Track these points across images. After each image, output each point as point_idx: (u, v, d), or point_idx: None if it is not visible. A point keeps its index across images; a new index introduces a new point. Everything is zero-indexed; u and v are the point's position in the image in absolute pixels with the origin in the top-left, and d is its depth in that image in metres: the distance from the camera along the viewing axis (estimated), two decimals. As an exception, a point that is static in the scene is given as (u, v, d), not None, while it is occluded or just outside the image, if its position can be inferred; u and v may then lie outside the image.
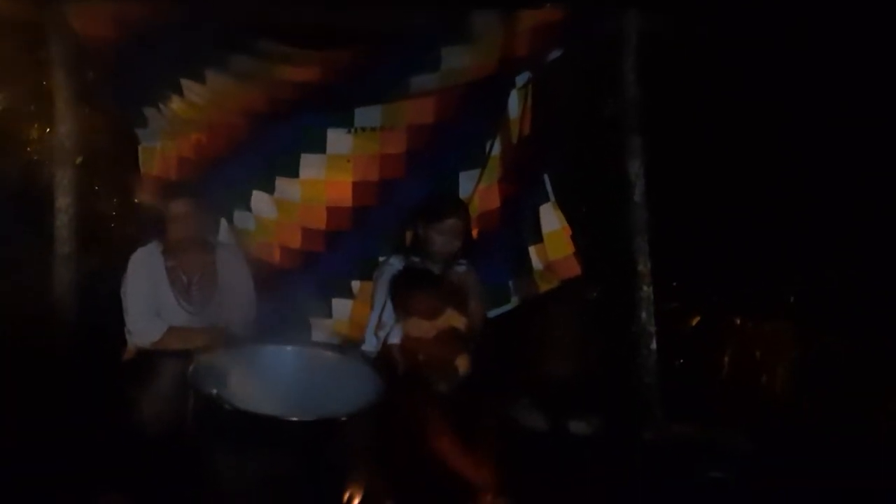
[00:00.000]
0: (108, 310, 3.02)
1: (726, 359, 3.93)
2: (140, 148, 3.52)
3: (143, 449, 2.54)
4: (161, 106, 3.29)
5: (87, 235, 3.35)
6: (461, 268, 3.06)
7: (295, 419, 2.15)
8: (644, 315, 3.18)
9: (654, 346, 3.19)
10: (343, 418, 2.22)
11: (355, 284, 3.45)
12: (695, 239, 3.95)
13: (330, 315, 3.46)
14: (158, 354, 2.81)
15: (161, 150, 3.51)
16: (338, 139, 3.40)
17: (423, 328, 2.83)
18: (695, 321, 4.15)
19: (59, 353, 3.08)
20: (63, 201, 3.27)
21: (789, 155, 3.70)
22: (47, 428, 2.77)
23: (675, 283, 4.14)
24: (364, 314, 3.21)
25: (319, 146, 3.40)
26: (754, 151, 3.76)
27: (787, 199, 3.78)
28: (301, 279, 3.46)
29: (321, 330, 3.45)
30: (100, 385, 2.88)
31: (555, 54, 3.16)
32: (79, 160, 3.39)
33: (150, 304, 2.94)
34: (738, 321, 3.99)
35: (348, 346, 2.99)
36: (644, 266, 3.18)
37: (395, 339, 2.86)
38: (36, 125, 3.18)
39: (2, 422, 2.72)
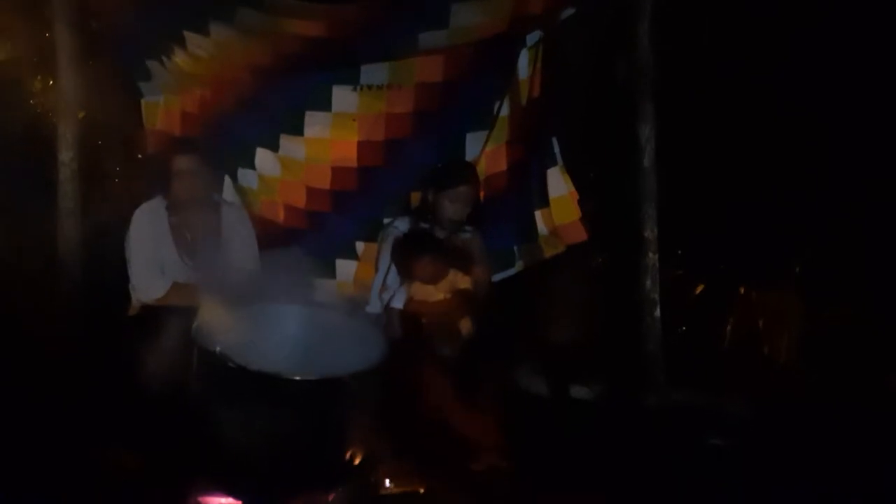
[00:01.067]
0: (113, 265, 3.01)
1: (729, 327, 3.93)
2: (143, 102, 3.48)
3: (148, 404, 2.55)
4: (164, 59, 3.24)
5: (90, 190, 3.33)
6: (466, 234, 3.04)
7: (298, 378, 2.16)
8: (649, 282, 3.16)
9: (657, 313, 3.17)
10: (346, 378, 2.22)
11: (359, 246, 3.44)
12: (702, 207, 3.92)
13: (334, 276, 3.45)
14: (163, 311, 2.81)
15: (164, 105, 3.48)
16: (343, 97, 3.35)
17: (427, 292, 2.83)
18: (699, 289, 4.14)
19: (64, 308, 3.07)
20: (66, 155, 3.24)
21: (801, 123, 3.64)
22: (53, 383, 2.78)
23: (680, 251, 4.13)
24: (368, 276, 3.20)
25: (324, 104, 3.35)
26: (766, 119, 3.70)
27: (797, 168, 3.73)
28: (305, 239, 3.44)
29: (325, 291, 3.43)
30: (105, 340, 2.89)
31: (567, 13, 3.08)
32: (81, 114, 3.36)
33: (153, 260, 2.94)
34: (743, 290, 3.97)
35: (353, 306, 2.97)
36: (651, 233, 3.14)
37: (398, 303, 2.86)
38: (39, 79, 3.14)
39: (7, 379, 2.73)
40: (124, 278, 2.96)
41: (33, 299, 3.02)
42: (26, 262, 3.05)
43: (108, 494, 2.24)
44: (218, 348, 2.17)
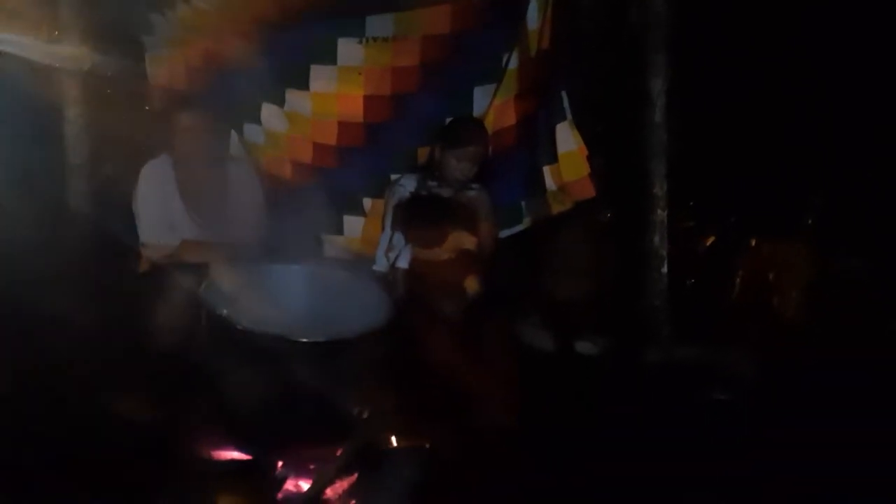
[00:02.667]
0: (124, 222, 3.03)
1: (738, 280, 3.91)
2: (147, 56, 3.44)
3: (160, 361, 2.61)
4: (167, 12, 3.19)
5: (99, 146, 3.34)
6: (472, 191, 3.02)
7: (304, 339, 2.19)
8: (657, 238, 3.15)
9: (664, 269, 3.17)
10: (351, 339, 2.25)
11: (367, 202, 3.42)
12: (714, 158, 3.87)
13: (341, 232, 3.45)
14: (172, 267, 2.84)
15: (169, 59, 3.43)
16: (349, 50, 3.28)
17: (432, 252, 2.82)
18: (709, 241, 4.12)
19: (75, 265, 3.11)
20: (72, 111, 3.24)
21: (813, 74, 3.54)
22: (65, 340, 2.83)
23: (691, 202, 4.09)
24: (375, 231, 3.20)
25: (330, 57, 3.29)
26: (778, 70, 3.61)
27: (811, 118, 3.66)
28: (313, 195, 3.43)
29: (333, 246, 3.46)
30: (117, 297, 2.93)
31: (578, -39, 2.99)
32: (87, 67, 3.33)
33: (161, 217, 2.96)
34: (754, 242, 3.94)
35: (358, 265, 2.99)
36: (660, 189, 3.11)
37: (403, 262, 2.86)
38: (43, 35, 3.12)
39: (19, 335, 2.79)
40: (135, 235, 2.99)
41: (45, 258, 3.06)
42: (39, 217, 3.08)
43: (120, 449, 2.30)
44: (225, 310, 2.20)
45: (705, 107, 3.74)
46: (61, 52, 3.24)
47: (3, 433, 2.36)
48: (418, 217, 2.84)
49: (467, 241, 2.87)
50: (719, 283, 3.88)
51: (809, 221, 3.93)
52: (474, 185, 3.04)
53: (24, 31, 3.05)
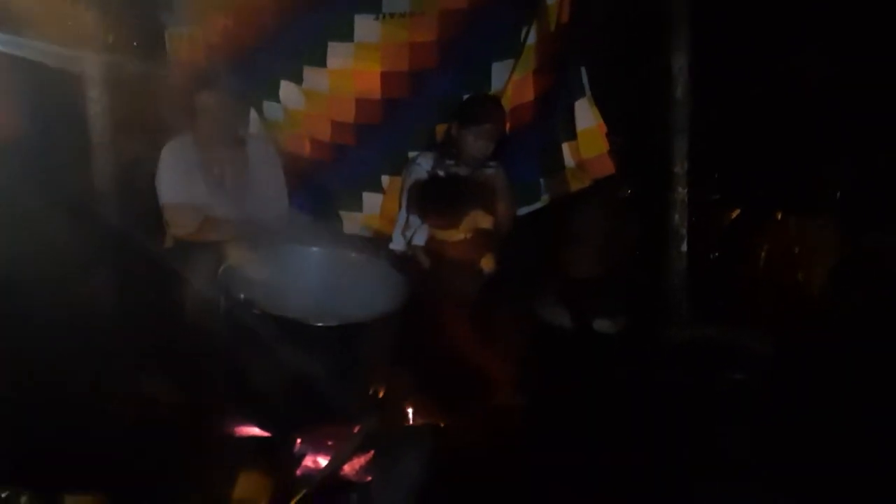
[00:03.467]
0: (148, 199, 3.08)
1: (763, 255, 3.85)
2: (167, 33, 3.45)
3: (183, 339, 2.67)
4: (185, -12, 3.20)
5: (121, 125, 3.37)
6: (490, 169, 3.01)
7: (320, 324, 2.23)
8: (677, 217, 3.11)
9: (684, 247, 3.14)
10: (367, 322, 2.28)
11: (385, 179, 3.43)
12: (739, 130, 3.79)
13: (360, 209, 3.48)
14: (196, 244, 2.89)
15: (189, 36, 3.44)
16: (365, 26, 3.26)
17: (449, 231, 2.83)
18: (734, 214, 4.05)
19: (100, 242, 3.17)
20: (94, 91, 3.27)
21: (842, 47, 3.43)
22: (91, 317, 2.90)
23: (716, 175, 4.02)
24: (394, 208, 3.22)
25: (347, 34, 3.27)
26: (804, 41, 3.49)
27: (840, 90, 3.55)
28: (331, 172, 3.46)
29: (352, 223, 3.48)
30: (142, 273, 2.98)
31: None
32: (109, 39, 3.34)
33: (184, 195, 2.99)
34: (779, 216, 3.87)
35: (374, 247, 3.01)
36: (681, 167, 3.06)
37: (420, 241, 2.87)
38: (63, 14, 3.14)
39: (44, 313, 2.86)
40: (158, 213, 3.04)
41: (69, 236, 3.12)
42: (63, 197, 3.14)
43: (144, 426, 2.37)
44: (243, 295, 2.24)
45: (730, 79, 3.65)
46: (82, 32, 3.26)
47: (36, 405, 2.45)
48: (435, 198, 2.84)
49: (484, 220, 2.88)
50: (742, 259, 3.83)
51: (837, 195, 3.84)
52: (491, 163, 3.04)
53: (44, 13, 3.07)
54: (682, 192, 3.10)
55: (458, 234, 2.84)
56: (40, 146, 3.21)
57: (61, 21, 3.16)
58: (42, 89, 3.24)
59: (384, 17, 3.24)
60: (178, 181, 3.00)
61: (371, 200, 3.47)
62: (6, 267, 2.80)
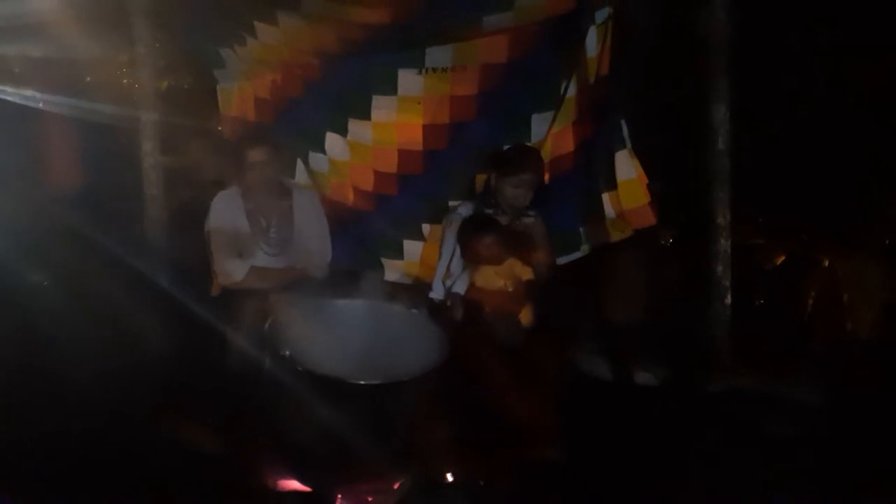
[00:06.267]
0: (197, 249, 3.18)
1: (810, 301, 3.77)
2: (218, 88, 3.59)
3: (229, 388, 2.73)
4: (236, 47, 3.33)
5: (173, 178, 3.50)
6: (529, 218, 3.03)
7: (362, 382, 2.26)
8: (720, 268, 3.07)
9: (728, 300, 3.08)
10: (408, 380, 2.31)
11: (426, 227, 3.48)
12: (785, 174, 3.74)
13: (401, 256, 3.53)
14: (242, 293, 2.97)
15: (238, 91, 3.58)
16: (409, 80, 3.35)
17: (489, 278, 2.84)
18: (779, 259, 3.98)
19: (151, 289, 3.28)
20: (148, 145, 3.42)
21: (884, 88, 3.37)
22: (141, 362, 2.99)
23: (761, 219, 3.97)
24: (434, 256, 3.25)
25: (391, 87, 3.37)
26: (848, 85, 3.45)
27: (885, 132, 3.49)
28: (374, 220, 3.53)
29: (393, 270, 3.54)
30: (191, 320, 3.07)
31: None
32: (163, 86, 3.48)
33: (232, 245, 3.09)
34: (827, 262, 3.79)
35: (414, 294, 3.05)
36: (723, 218, 3.03)
37: (460, 289, 2.89)
38: (120, 72, 3.31)
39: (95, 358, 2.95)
40: (207, 261, 3.13)
41: (122, 282, 3.23)
42: (117, 246, 3.26)
43: (189, 475, 2.43)
44: (287, 352, 2.29)
45: (775, 120, 3.62)
46: (138, 87, 3.42)
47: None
48: (478, 234, 2.85)
49: (524, 272, 2.88)
50: (789, 305, 3.76)
51: (887, 241, 3.75)
52: (531, 213, 3.06)
53: (100, 67, 3.24)
54: (724, 243, 3.06)
55: (498, 281, 2.84)
56: (98, 196, 3.36)
57: (118, 81, 3.33)
58: (101, 144, 3.40)
59: (427, 71, 3.33)
60: (226, 231, 3.10)
61: (412, 248, 3.53)
62: (65, 310, 2.92)
